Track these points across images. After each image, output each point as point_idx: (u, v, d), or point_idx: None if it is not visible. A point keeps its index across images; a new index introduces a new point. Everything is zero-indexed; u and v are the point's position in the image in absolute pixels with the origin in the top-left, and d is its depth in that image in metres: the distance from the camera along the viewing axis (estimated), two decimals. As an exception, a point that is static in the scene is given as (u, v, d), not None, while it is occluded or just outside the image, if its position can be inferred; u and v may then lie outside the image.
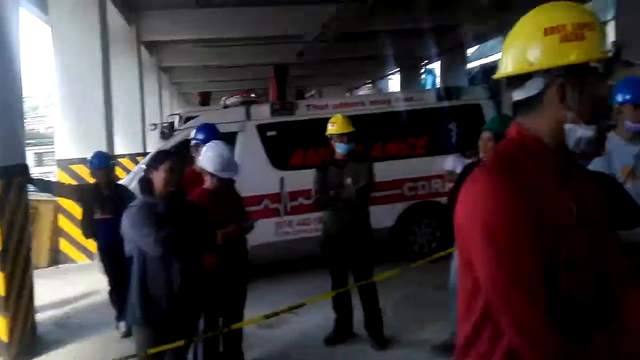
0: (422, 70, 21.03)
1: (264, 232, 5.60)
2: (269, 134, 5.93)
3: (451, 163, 5.65)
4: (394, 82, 25.99)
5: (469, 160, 4.71)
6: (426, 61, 19.55)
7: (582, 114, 1.18)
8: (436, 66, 19.39)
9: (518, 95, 1.25)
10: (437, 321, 4.21)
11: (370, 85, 27.88)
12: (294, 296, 4.56)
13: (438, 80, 19.06)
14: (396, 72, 22.91)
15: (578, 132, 1.19)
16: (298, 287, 5.49)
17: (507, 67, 1.24)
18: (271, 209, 5.84)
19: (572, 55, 1.14)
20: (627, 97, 3.05)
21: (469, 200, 1.22)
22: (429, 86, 18.98)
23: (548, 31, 1.16)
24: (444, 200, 5.39)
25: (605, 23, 11.31)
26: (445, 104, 6.28)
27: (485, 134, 3.20)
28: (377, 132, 6.11)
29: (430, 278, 5.05)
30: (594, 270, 1.23)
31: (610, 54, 1.16)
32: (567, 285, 1.17)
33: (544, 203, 1.16)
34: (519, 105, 1.26)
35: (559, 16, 1.17)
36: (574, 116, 1.18)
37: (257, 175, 5.71)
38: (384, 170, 5.24)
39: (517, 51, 1.21)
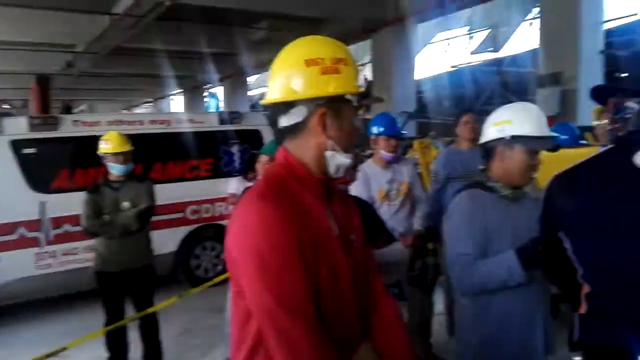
0: (206, 94, 21.14)
1: (19, 266, 4.93)
2: (26, 151, 5.16)
3: (234, 186, 5.74)
4: (177, 103, 25.48)
5: (250, 184, 4.85)
6: (210, 85, 19.72)
7: (340, 143, 1.28)
8: (220, 90, 19.71)
9: (284, 121, 1.30)
10: (219, 347, 4.17)
11: (151, 104, 26.81)
12: (58, 337, 4.02)
13: (222, 104, 19.36)
14: (179, 93, 22.54)
15: (338, 159, 1.29)
16: (64, 325, 4.88)
17: (274, 94, 1.29)
18: (29, 238, 5.07)
19: (331, 87, 1.24)
20: (381, 129, 3.55)
21: (239, 227, 1.23)
22: (212, 109, 19.12)
23: (310, 63, 1.24)
24: (227, 223, 5.42)
25: (363, 65, 13.10)
26: (227, 127, 6.36)
27: (263, 157, 3.34)
28: (157, 152, 5.84)
29: (212, 302, 4.99)
30: (356, 286, 1.33)
31: (362, 89, 1.29)
32: (331, 302, 1.24)
33: (310, 226, 1.22)
34: (286, 131, 1.31)
35: (318, 50, 1.27)
36: (333, 144, 1.28)
37: (9, 199, 4.95)
38: (165, 193, 5.02)
39: (283, 80, 1.27)
